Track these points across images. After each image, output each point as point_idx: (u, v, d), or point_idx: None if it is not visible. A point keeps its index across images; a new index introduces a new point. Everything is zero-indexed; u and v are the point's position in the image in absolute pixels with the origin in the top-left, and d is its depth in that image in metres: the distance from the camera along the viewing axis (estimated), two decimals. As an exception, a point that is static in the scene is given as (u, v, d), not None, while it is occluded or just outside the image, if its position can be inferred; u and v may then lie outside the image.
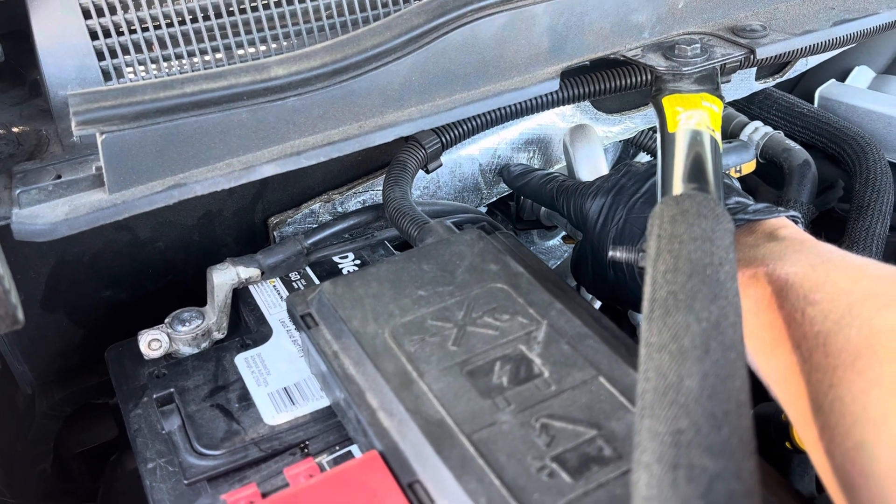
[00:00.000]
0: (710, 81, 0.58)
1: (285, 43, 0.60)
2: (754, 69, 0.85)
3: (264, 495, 0.39)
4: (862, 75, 0.97)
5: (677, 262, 0.37)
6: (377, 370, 0.42)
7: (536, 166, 0.80)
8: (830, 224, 0.83)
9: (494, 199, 0.80)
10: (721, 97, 0.56)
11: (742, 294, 0.37)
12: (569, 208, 0.61)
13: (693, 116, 0.51)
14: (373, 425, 0.41)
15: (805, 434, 0.36)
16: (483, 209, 0.86)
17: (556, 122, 0.77)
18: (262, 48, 0.59)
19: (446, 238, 0.53)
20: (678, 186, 0.45)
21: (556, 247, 0.94)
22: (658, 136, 0.52)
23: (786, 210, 0.46)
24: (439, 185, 0.74)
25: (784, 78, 0.89)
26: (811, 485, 0.74)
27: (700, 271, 0.36)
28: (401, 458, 0.39)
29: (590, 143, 0.70)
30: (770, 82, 0.89)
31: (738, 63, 0.61)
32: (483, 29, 0.57)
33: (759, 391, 0.58)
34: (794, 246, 0.42)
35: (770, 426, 0.64)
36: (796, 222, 0.46)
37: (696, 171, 0.46)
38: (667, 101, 0.54)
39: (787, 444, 0.63)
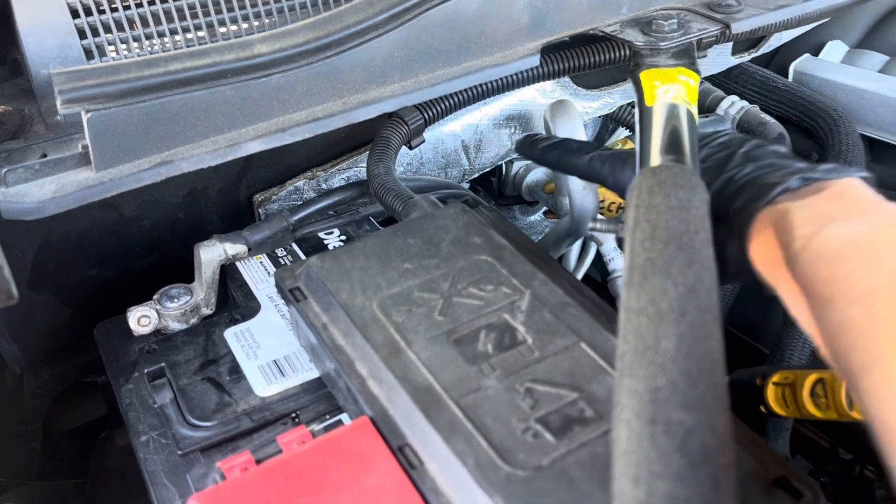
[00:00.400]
0: (687, 56, 0.60)
1: (268, 20, 0.60)
2: (730, 44, 0.87)
3: (258, 462, 0.41)
4: (835, 49, 0.99)
5: (654, 231, 0.38)
6: (366, 340, 0.44)
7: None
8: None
9: (477, 174, 0.81)
10: (697, 71, 0.57)
11: (804, 248, 0.37)
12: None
13: (670, 90, 0.52)
14: (363, 393, 0.43)
15: (858, 386, 0.33)
16: (465, 185, 0.87)
17: (536, 98, 0.77)
18: (245, 25, 0.59)
19: (431, 212, 0.54)
20: (656, 158, 0.46)
21: (537, 222, 0.96)
22: (636, 110, 0.53)
23: (858, 169, 0.44)
24: (422, 162, 0.75)
25: (759, 52, 0.91)
26: (785, 447, 0.77)
27: (676, 239, 0.37)
28: (391, 423, 0.41)
29: (570, 118, 0.71)
30: (746, 57, 0.90)
31: (715, 38, 0.63)
32: (464, 5, 0.57)
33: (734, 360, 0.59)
34: (861, 206, 0.40)
35: (745, 391, 0.66)
36: (868, 182, 0.44)
37: (672, 144, 0.47)
38: (644, 76, 0.55)
39: (762, 408, 0.65)
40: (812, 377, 0.59)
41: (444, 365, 0.42)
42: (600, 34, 0.63)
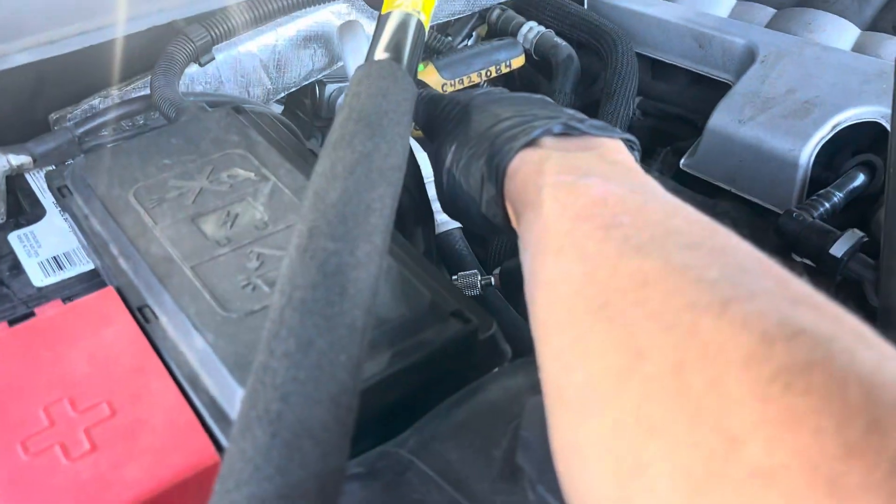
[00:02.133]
0: (440, -26, 0.66)
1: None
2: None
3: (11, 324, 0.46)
4: (625, -22, 1.08)
5: (351, 113, 0.45)
6: (117, 224, 0.49)
7: (321, 64, 0.87)
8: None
9: (283, 94, 0.86)
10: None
11: (552, 197, 0.38)
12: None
13: (406, 1, 0.58)
14: (112, 268, 0.48)
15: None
16: (277, 106, 0.91)
17: (331, 19, 0.83)
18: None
19: (197, 116, 0.59)
20: (378, 56, 0.53)
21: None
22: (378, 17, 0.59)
23: (622, 133, 0.45)
24: (222, 82, 0.79)
25: (548, -21, 0.99)
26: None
27: (365, 118, 0.44)
28: (133, 289, 0.46)
29: (356, 37, 0.77)
30: (538, -17, 0.98)
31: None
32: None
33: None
34: (620, 170, 0.41)
35: (514, 276, 0.76)
36: (632, 148, 0.45)
37: (394, 45, 0.53)
38: (388, -12, 0.61)
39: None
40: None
41: (184, 240, 0.48)
42: (368, -46, 0.69)
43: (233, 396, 0.39)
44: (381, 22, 0.57)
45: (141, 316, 0.45)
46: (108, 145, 0.66)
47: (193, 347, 0.42)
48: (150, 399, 0.40)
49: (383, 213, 0.40)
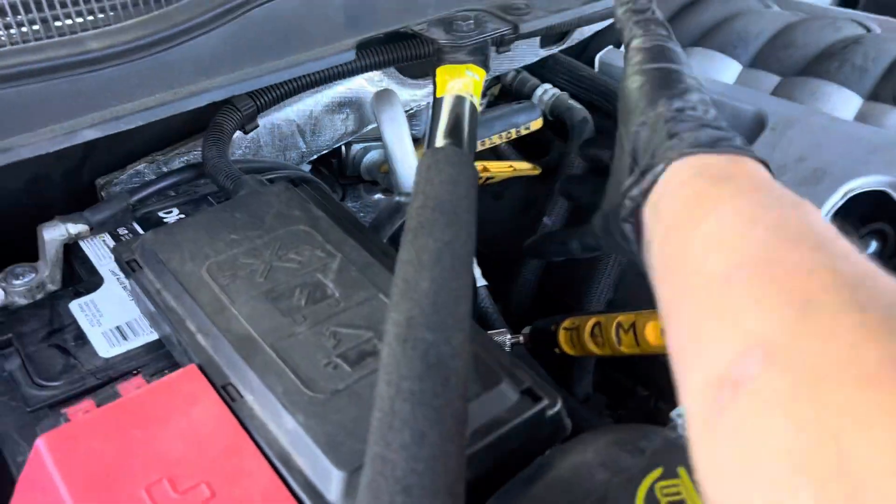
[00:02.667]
0: (481, 53, 0.70)
1: (101, 16, 0.65)
2: (538, 38, 0.98)
3: (99, 406, 0.47)
4: (634, 43, 1.13)
5: (426, 201, 0.48)
6: (194, 300, 0.51)
7: (352, 127, 0.90)
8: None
9: (315, 156, 0.89)
10: (487, 68, 0.67)
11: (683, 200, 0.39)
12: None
13: (457, 84, 0.62)
14: (191, 345, 0.50)
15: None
16: (307, 167, 0.94)
17: (365, 86, 0.86)
18: (80, 20, 0.64)
19: (257, 190, 0.61)
20: (439, 141, 0.56)
21: (381, 199, 1.04)
22: (432, 100, 0.62)
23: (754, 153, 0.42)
24: (260, 146, 0.82)
25: (566, 45, 1.03)
26: (588, 386, 0.90)
27: (442, 206, 0.47)
28: (215, 368, 0.48)
29: (392, 106, 0.80)
30: (554, 49, 1.02)
31: (505, 36, 0.73)
32: (283, 6, 0.65)
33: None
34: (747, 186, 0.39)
35: (543, 336, 0.78)
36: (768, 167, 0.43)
37: (453, 129, 0.57)
38: (439, 72, 0.64)
39: (556, 350, 0.77)
40: (592, 321, 0.72)
41: (262, 317, 0.50)
42: (410, 32, 0.72)
43: (328, 477, 0.41)
44: (437, 106, 0.60)
45: (226, 394, 0.47)
46: (163, 214, 0.68)
47: (283, 427, 0.44)
48: (246, 479, 0.42)
49: (468, 299, 0.43)
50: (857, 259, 0.31)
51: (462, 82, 0.62)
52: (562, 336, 0.75)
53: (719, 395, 0.30)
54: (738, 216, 0.35)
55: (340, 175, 0.98)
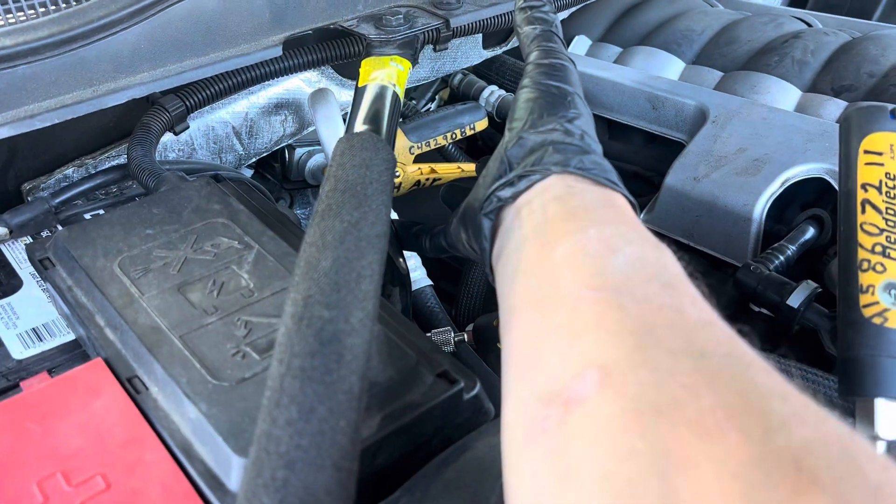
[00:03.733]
0: (410, 47, 0.69)
1: (20, 15, 0.64)
2: (480, 38, 0.98)
3: (-3, 403, 0.45)
4: (581, 43, 1.14)
5: (337, 184, 0.47)
6: (103, 295, 0.49)
7: (291, 129, 0.89)
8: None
9: (254, 159, 0.88)
10: (414, 61, 0.67)
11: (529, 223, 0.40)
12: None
13: (380, 74, 0.61)
14: (100, 339, 0.48)
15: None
16: (248, 171, 0.93)
17: (302, 87, 0.85)
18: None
19: (177, 185, 0.60)
20: (358, 127, 0.55)
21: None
22: (355, 89, 0.62)
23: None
24: (194, 149, 0.80)
25: (510, 46, 1.03)
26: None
27: (351, 189, 0.46)
28: (122, 360, 0.47)
29: (327, 104, 0.80)
30: (497, 50, 1.03)
31: (438, 31, 0.73)
32: (205, 2, 0.64)
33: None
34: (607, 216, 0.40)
35: (486, 332, 0.78)
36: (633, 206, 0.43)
37: (373, 117, 0.56)
38: (364, 63, 0.64)
39: (499, 345, 0.76)
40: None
41: (171, 309, 0.48)
42: (339, 28, 0.72)
43: (228, 464, 0.40)
44: (358, 94, 0.60)
45: (131, 387, 0.45)
46: (88, 216, 0.67)
47: (186, 417, 0.42)
48: (144, 470, 0.40)
49: (373, 279, 0.42)
50: (703, 305, 0.33)
51: (385, 72, 0.61)
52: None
53: (548, 411, 0.30)
54: (601, 243, 0.36)
55: (285, 180, 0.97)
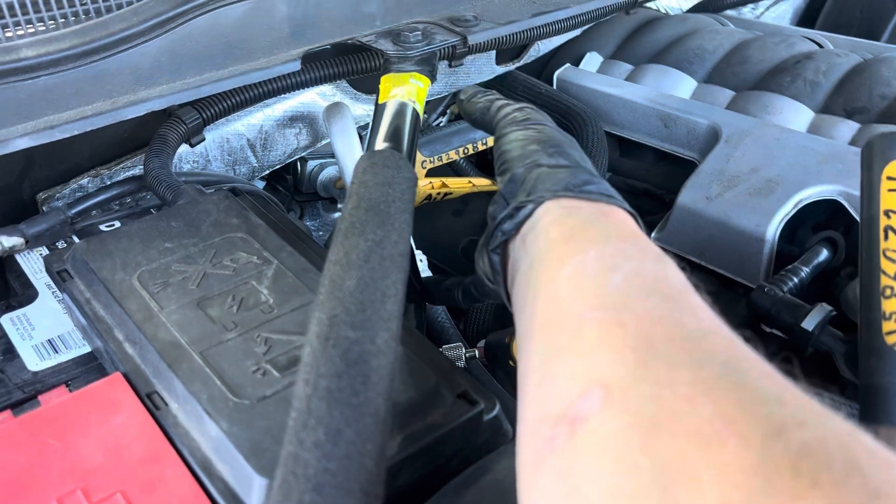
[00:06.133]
0: (428, 63, 0.70)
1: (41, 27, 0.64)
2: (493, 54, 0.99)
3: (16, 416, 0.45)
4: (592, 60, 1.14)
5: (360, 202, 0.47)
6: (122, 309, 0.49)
7: (305, 142, 0.89)
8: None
9: (267, 171, 0.88)
10: (433, 78, 0.67)
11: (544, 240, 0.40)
12: None
13: (400, 91, 0.61)
14: (118, 353, 0.48)
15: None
16: (260, 183, 0.93)
17: (317, 101, 0.85)
18: (20, 32, 0.63)
19: (195, 198, 0.60)
20: (379, 145, 0.55)
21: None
22: (375, 106, 0.62)
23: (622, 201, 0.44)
24: (209, 160, 0.80)
25: (522, 62, 1.04)
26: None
27: (374, 207, 0.46)
28: (141, 376, 0.47)
29: (343, 118, 0.80)
30: (510, 66, 1.03)
31: (455, 48, 0.73)
32: (225, 16, 0.64)
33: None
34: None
35: (498, 349, 0.77)
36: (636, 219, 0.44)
37: (393, 134, 0.56)
38: (383, 79, 0.64)
39: (511, 363, 0.76)
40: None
41: (191, 324, 0.48)
42: (358, 44, 0.72)
43: (249, 484, 0.39)
44: (378, 111, 0.60)
45: (150, 403, 0.45)
46: (104, 227, 0.67)
47: (207, 434, 0.42)
48: (164, 488, 0.40)
49: (397, 299, 0.42)
50: (703, 315, 0.33)
51: (405, 89, 0.62)
52: (515, 348, 0.74)
53: (556, 431, 0.30)
54: (601, 262, 0.37)
55: (297, 192, 0.97)
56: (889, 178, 0.49)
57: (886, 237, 0.48)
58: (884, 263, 0.47)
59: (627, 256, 0.37)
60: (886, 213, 0.48)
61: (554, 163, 0.45)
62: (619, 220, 0.42)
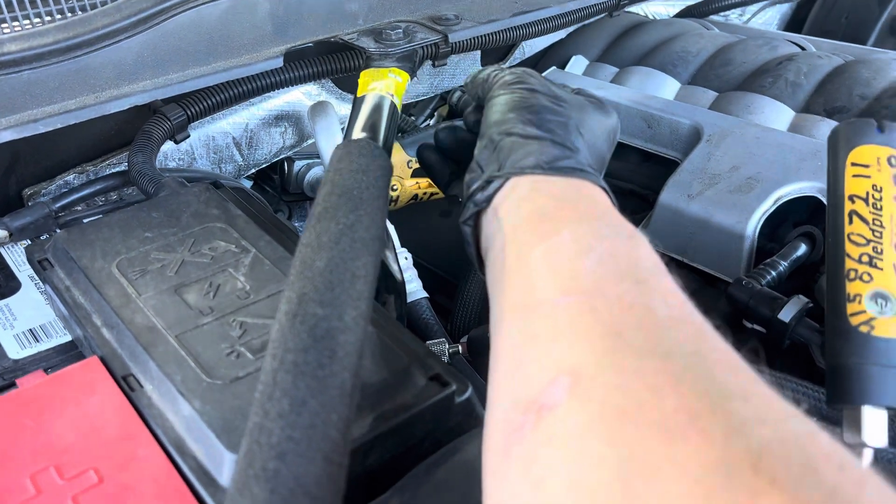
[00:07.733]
0: (409, 60, 0.71)
1: (27, 24, 0.65)
2: (479, 56, 1.00)
3: (-7, 400, 0.46)
4: (578, 63, 1.16)
5: (333, 188, 0.48)
6: (101, 295, 0.50)
7: (291, 141, 0.90)
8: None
9: (253, 170, 0.88)
10: (412, 73, 0.68)
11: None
12: None
13: (379, 84, 0.62)
14: (96, 338, 0.49)
15: None
16: (247, 182, 0.94)
17: (302, 100, 0.86)
18: (5, 28, 0.64)
19: (176, 190, 0.61)
20: (356, 135, 0.56)
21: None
22: (353, 99, 0.63)
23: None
24: (195, 158, 0.81)
25: (507, 64, 1.05)
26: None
27: (348, 192, 0.47)
28: (118, 359, 0.47)
29: (327, 116, 0.81)
30: (496, 68, 1.04)
31: (437, 46, 0.74)
32: (208, 12, 0.65)
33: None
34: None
35: (480, 344, 0.78)
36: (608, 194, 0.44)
37: (370, 125, 0.57)
38: (363, 74, 0.65)
39: (492, 357, 0.77)
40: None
41: (168, 309, 0.49)
42: (340, 41, 0.73)
43: (220, 461, 0.40)
44: (357, 104, 0.61)
45: (126, 384, 0.46)
46: (88, 220, 0.68)
47: (180, 414, 0.43)
48: (137, 466, 0.41)
49: (367, 280, 0.43)
50: (674, 301, 0.33)
51: (384, 83, 0.63)
52: (497, 342, 0.75)
53: (525, 419, 0.30)
54: (575, 244, 0.37)
55: (284, 192, 0.98)
56: (853, 164, 0.50)
57: (851, 221, 0.49)
58: (848, 247, 0.48)
59: (600, 236, 0.37)
60: (851, 199, 0.49)
61: (527, 133, 0.45)
62: (590, 195, 0.42)
